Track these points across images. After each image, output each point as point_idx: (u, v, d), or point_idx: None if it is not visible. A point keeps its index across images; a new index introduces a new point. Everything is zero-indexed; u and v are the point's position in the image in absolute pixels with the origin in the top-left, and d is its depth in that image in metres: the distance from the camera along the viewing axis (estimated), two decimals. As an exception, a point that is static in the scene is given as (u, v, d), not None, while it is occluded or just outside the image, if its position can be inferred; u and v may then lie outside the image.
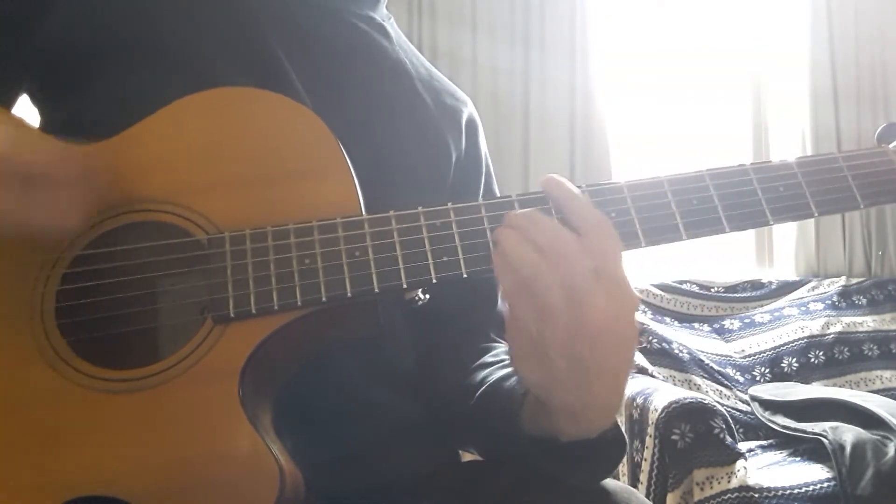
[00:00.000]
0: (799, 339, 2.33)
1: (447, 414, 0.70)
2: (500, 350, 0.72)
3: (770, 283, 2.54)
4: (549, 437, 0.55)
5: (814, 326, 2.36)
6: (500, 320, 0.76)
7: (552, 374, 0.50)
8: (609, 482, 0.61)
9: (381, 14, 0.76)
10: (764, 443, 1.97)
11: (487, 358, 0.70)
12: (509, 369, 0.64)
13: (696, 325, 2.39)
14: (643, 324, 2.25)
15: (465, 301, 0.72)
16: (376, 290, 0.51)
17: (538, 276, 0.48)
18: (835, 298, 2.48)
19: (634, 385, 1.89)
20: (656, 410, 1.69)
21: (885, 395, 2.10)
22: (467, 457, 0.74)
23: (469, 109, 0.78)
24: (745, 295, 2.49)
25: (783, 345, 2.33)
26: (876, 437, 1.73)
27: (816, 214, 0.55)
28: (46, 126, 0.64)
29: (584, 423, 0.53)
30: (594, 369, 0.49)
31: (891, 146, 0.58)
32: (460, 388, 0.67)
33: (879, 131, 0.60)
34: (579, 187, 0.54)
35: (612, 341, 0.49)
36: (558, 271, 0.48)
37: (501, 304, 0.52)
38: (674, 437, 1.64)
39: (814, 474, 1.68)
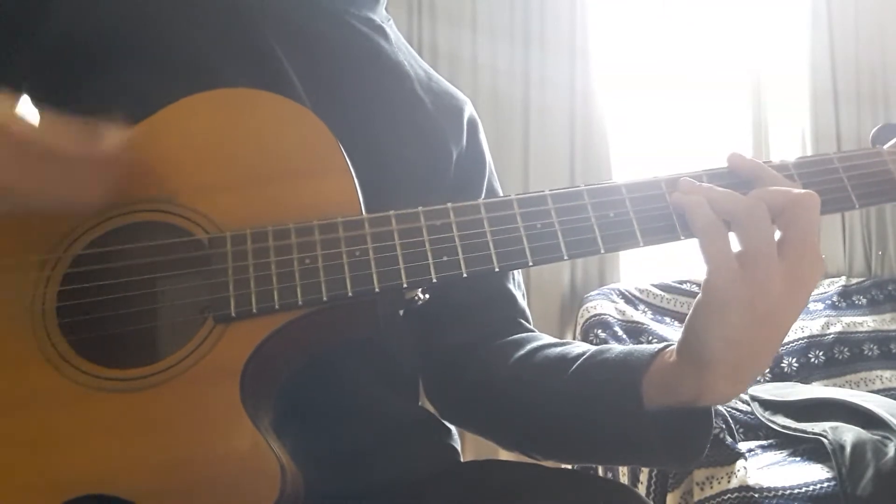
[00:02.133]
0: (799, 339, 2.33)
1: (494, 410, 0.69)
2: (545, 336, 0.71)
3: (770, 283, 2.53)
4: (673, 405, 0.55)
5: (814, 326, 2.36)
6: (523, 312, 0.76)
7: (747, 322, 0.50)
8: (609, 482, 0.61)
9: (381, 16, 0.76)
10: (764, 443, 1.97)
11: (544, 341, 0.69)
12: (594, 347, 0.64)
13: (697, 325, 2.39)
14: (643, 323, 2.25)
15: (473, 296, 0.72)
16: (377, 289, 0.51)
17: (751, 210, 0.50)
18: (835, 298, 2.48)
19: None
20: (656, 410, 1.69)
21: (885, 395, 2.09)
22: (467, 457, 0.75)
23: (469, 109, 0.79)
24: (745, 295, 2.48)
25: (783, 345, 2.33)
26: (876, 437, 1.73)
27: None
28: (47, 126, 0.64)
29: (743, 381, 0.53)
30: (781, 321, 0.51)
31: (885, 147, 0.59)
32: (524, 374, 0.66)
33: (874, 133, 0.61)
34: (577, 187, 0.54)
35: (805, 299, 0.51)
36: (772, 213, 0.51)
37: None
38: (674, 436, 1.64)
39: (814, 474, 1.68)
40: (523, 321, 0.76)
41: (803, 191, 0.52)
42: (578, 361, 0.62)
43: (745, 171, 0.55)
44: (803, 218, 0.51)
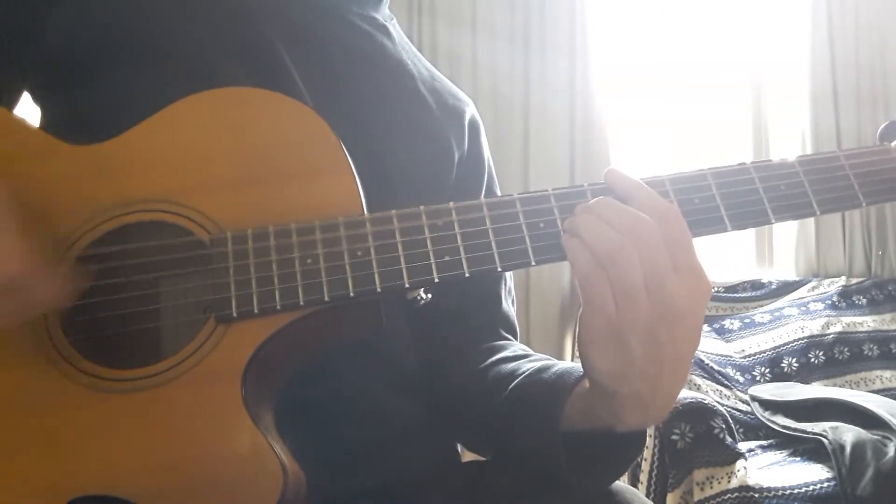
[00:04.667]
0: (799, 339, 2.33)
1: (458, 412, 0.69)
2: (516, 346, 0.72)
3: (770, 283, 2.54)
4: (595, 429, 0.55)
5: (814, 326, 2.36)
6: (505, 319, 0.76)
7: (627, 359, 0.50)
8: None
9: (384, 14, 0.76)
10: (764, 443, 1.97)
11: (506, 353, 0.69)
12: (544, 362, 0.63)
13: (697, 324, 2.39)
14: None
15: (467, 301, 0.72)
16: (378, 289, 0.50)
17: (620, 252, 0.48)
18: (835, 298, 2.48)
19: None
20: (656, 410, 1.69)
21: (885, 395, 2.10)
22: (467, 457, 0.74)
23: (471, 110, 0.78)
24: (745, 295, 2.49)
25: (783, 345, 2.33)
26: (876, 437, 1.73)
27: (818, 213, 0.55)
28: (47, 125, 0.64)
29: (649, 412, 0.52)
30: (669, 355, 0.49)
31: (893, 144, 0.58)
32: (475, 385, 0.66)
33: (882, 129, 0.59)
34: (582, 186, 0.54)
35: (687, 327, 0.49)
36: (639, 252, 0.48)
37: (571, 290, 0.51)
38: (674, 437, 1.64)
39: (814, 474, 1.68)
40: (502, 329, 0.76)
41: (665, 211, 0.50)
42: (516, 381, 0.63)
43: (619, 191, 0.53)
44: (661, 248, 0.49)
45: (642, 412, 0.52)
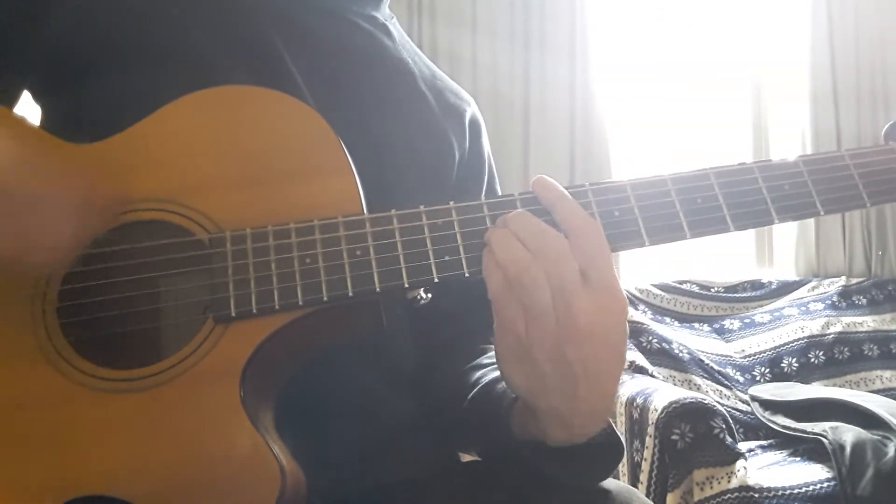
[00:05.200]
0: (799, 339, 2.33)
1: (445, 415, 0.69)
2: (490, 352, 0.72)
3: (770, 283, 2.54)
4: (537, 441, 0.55)
5: (814, 326, 2.36)
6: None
7: (538, 377, 0.49)
8: (610, 482, 0.61)
9: (384, 13, 0.76)
10: (764, 443, 1.97)
11: (483, 359, 0.70)
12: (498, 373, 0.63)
13: (696, 325, 2.39)
14: (643, 323, 2.25)
15: (462, 302, 0.72)
16: (378, 289, 0.50)
17: (525, 274, 0.48)
18: (835, 298, 2.48)
19: (634, 385, 1.89)
20: (656, 410, 1.69)
21: (885, 395, 2.10)
22: (467, 457, 0.74)
23: (472, 109, 0.78)
24: (745, 295, 2.49)
25: (783, 345, 2.33)
26: (876, 437, 1.73)
27: (822, 213, 0.54)
28: (47, 123, 0.64)
29: (572, 428, 0.52)
30: (581, 373, 0.49)
31: None
32: (456, 389, 0.67)
33: (887, 129, 0.59)
34: (582, 186, 0.54)
35: (599, 345, 0.49)
36: (546, 270, 0.48)
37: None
38: (674, 437, 1.64)
39: (814, 474, 1.68)
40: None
41: (580, 226, 0.50)
42: (474, 391, 0.63)
43: (545, 201, 0.53)
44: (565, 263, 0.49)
45: (564, 428, 0.52)
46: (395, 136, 0.68)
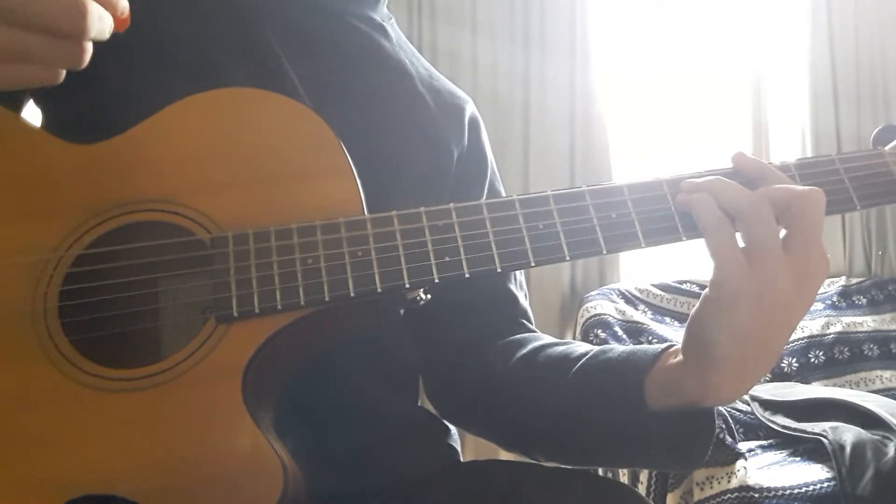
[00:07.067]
0: (799, 339, 2.33)
1: (497, 406, 0.68)
2: (546, 336, 0.71)
3: (770, 283, 2.53)
4: (681, 405, 0.55)
5: (814, 326, 2.36)
6: (525, 312, 0.77)
7: (760, 319, 0.50)
8: (609, 481, 0.61)
9: (382, 14, 0.76)
10: (764, 443, 1.97)
11: (546, 340, 0.69)
12: (593, 347, 0.64)
13: (697, 325, 2.39)
14: (643, 323, 2.25)
15: (477, 298, 0.72)
16: (379, 289, 0.51)
17: (760, 204, 0.51)
18: (835, 298, 2.48)
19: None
20: (657, 410, 1.69)
21: (885, 395, 2.09)
22: (467, 457, 0.75)
23: (471, 108, 0.78)
24: (745, 295, 2.48)
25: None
26: (876, 437, 1.73)
27: None
28: (48, 125, 0.64)
29: (746, 382, 0.53)
30: (783, 327, 0.52)
31: (886, 148, 0.59)
32: (523, 371, 0.66)
33: (875, 134, 0.61)
34: (579, 188, 0.54)
35: (802, 311, 0.52)
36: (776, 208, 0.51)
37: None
38: (674, 436, 1.64)
39: (814, 474, 1.68)
40: (525, 321, 0.75)
41: (808, 187, 0.52)
42: (581, 361, 0.62)
43: (749, 171, 0.55)
44: (808, 214, 0.51)
45: (740, 380, 0.53)
46: (392, 137, 0.69)
